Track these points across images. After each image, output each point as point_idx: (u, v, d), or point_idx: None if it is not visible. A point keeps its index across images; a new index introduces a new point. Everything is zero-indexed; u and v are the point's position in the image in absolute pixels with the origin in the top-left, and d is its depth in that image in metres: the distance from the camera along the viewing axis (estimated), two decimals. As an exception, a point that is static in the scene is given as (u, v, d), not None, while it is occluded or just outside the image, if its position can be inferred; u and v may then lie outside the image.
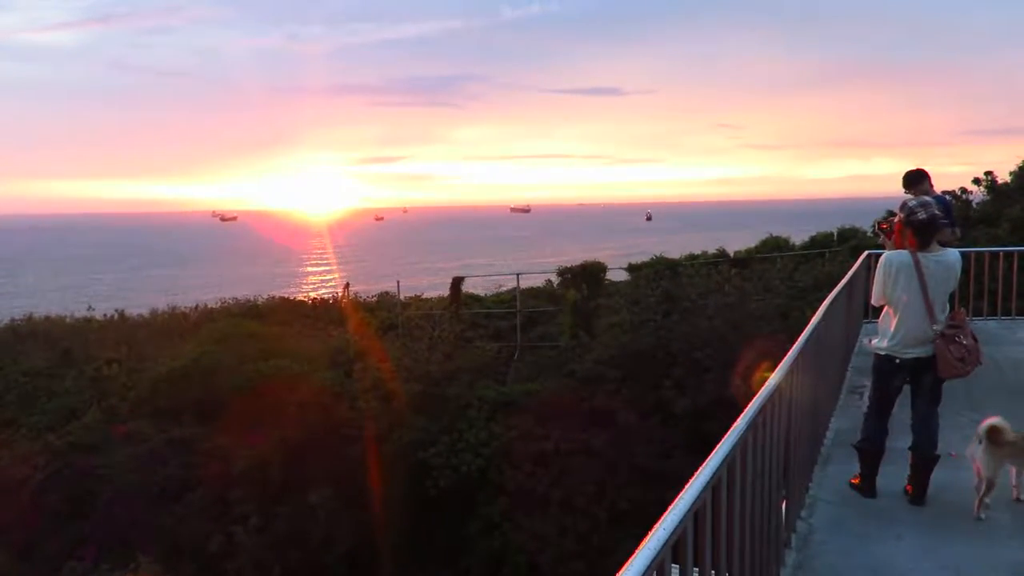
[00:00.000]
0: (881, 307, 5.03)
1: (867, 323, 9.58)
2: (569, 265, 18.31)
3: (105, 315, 20.50)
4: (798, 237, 23.10)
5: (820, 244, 21.11)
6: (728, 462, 2.62)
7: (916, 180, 7.81)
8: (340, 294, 24.78)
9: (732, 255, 21.39)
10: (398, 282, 21.17)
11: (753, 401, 3.18)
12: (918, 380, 4.88)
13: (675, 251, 23.52)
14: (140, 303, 29.89)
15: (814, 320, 5.12)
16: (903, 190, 7.68)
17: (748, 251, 21.86)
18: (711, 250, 22.58)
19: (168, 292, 54.47)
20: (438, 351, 14.24)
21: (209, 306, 21.63)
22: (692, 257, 21.45)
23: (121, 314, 20.74)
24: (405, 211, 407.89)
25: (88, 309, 21.13)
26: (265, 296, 23.48)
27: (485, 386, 13.27)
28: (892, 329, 4.84)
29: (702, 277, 16.84)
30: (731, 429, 2.80)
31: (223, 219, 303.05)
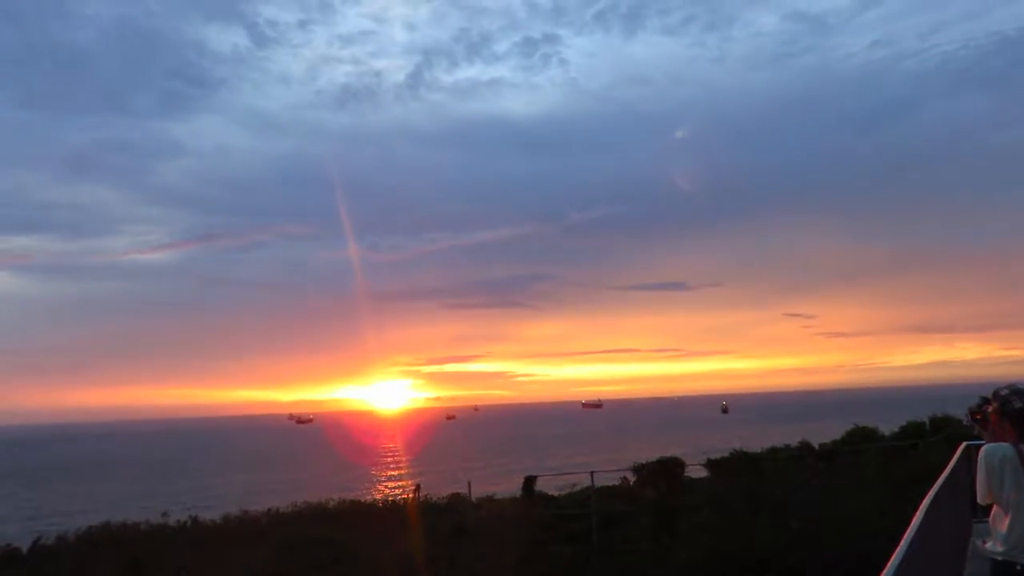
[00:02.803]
0: (990, 505, 4.61)
1: (978, 523, 8.77)
2: (644, 461, 17.70)
3: (179, 521, 20.52)
4: (886, 427, 21.96)
5: (912, 434, 20.00)
6: None
7: None
8: (410, 496, 24.32)
9: (817, 447, 20.39)
10: (469, 483, 20.75)
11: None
12: (1047, 589, 4.33)
13: (755, 444, 22.59)
14: (215, 508, 29.96)
15: (916, 519, 4.70)
16: None
17: (834, 443, 20.82)
18: (793, 442, 21.61)
19: (242, 496, 54.61)
20: (510, 556, 13.58)
21: (281, 510, 21.44)
22: (774, 451, 20.51)
23: (194, 520, 20.74)
24: (476, 409, 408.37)
25: (163, 515, 21.22)
26: (336, 499, 23.22)
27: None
28: (1005, 530, 4.39)
29: (786, 472, 15.98)
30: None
31: (299, 421, 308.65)
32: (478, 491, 23.22)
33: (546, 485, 22.04)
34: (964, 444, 8.86)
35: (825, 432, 25.77)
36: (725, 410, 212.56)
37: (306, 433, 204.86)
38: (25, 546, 18.61)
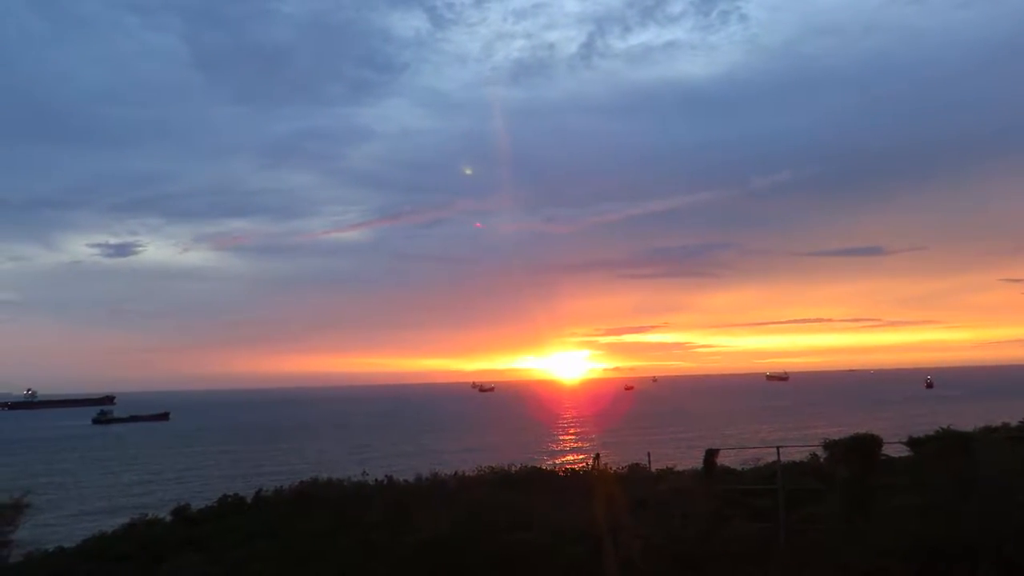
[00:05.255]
0: None
1: None
2: (837, 438, 16.63)
3: (376, 480, 22.04)
4: None
5: None
6: None
7: None
8: (590, 465, 24.56)
9: (1043, 428, 18.20)
10: (648, 454, 20.60)
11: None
12: None
13: (965, 422, 20.53)
14: (407, 469, 31.97)
15: None
16: None
17: (1064, 423, 18.49)
18: (1012, 421, 19.48)
19: (431, 458, 57.90)
20: (692, 529, 13.37)
21: (467, 474, 22.42)
22: (990, 430, 18.56)
23: (390, 479, 22.20)
24: (655, 380, 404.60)
25: (363, 474, 22.88)
26: (518, 465, 23.93)
27: (744, 572, 12.09)
28: None
29: (1004, 454, 14.40)
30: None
31: (481, 389, 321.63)
32: (657, 463, 23.02)
33: (728, 459, 21.39)
34: None
35: (1052, 411, 22.96)
36: (930, 385, 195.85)
37: (488, 401, 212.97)
38: (249, 497, 20.86)
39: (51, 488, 55.10)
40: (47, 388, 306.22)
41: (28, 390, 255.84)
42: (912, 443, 17.39)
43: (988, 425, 19.31)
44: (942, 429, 18.03)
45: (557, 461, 53.34)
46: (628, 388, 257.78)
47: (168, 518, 19.28)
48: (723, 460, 19.98)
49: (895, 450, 17.49)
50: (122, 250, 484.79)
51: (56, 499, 50.15)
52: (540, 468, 24.82)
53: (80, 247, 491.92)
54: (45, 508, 45.97)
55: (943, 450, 15.12)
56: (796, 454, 20.31)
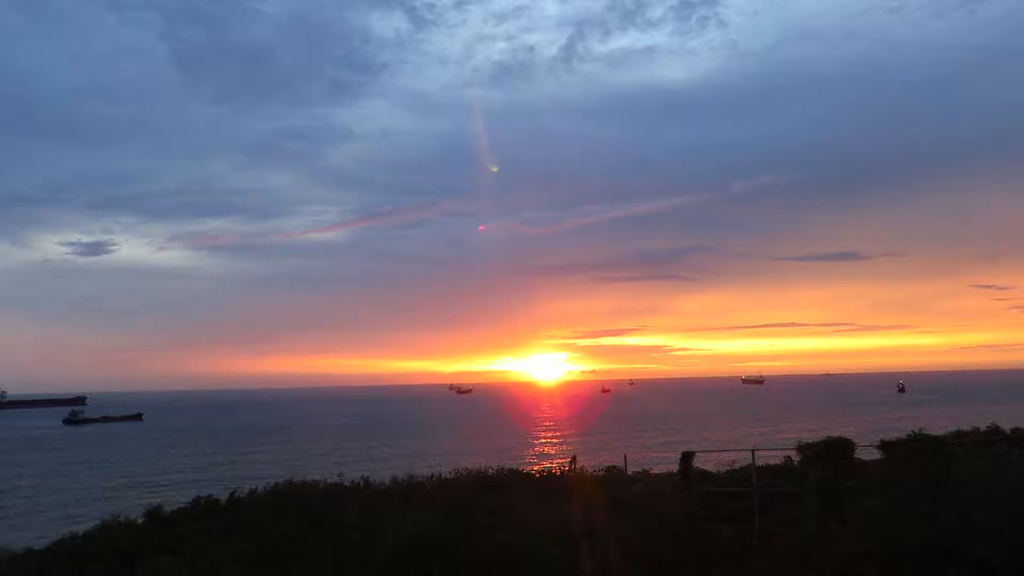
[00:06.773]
0: None
1: None
2: (811, 441, 16.84)
3: (352, 481, 21.93)
4: (1097, 411, 19.60)
5: None
6: None
7: None
8: (567, 467, 24.65)
9: (1010, 432, 18.56)
10: (625, 456, 20.70)
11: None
12: None
13: (936, 426, 20.90)
14: (383, 471, 31.86)
15: None
16: None
17: (1031, 427, 18.86)
18: (982, 426, 19.84)
19: (408, 460, 57.70)
20: (668, 530, 13.45)
21: (444, 476, 22.40)
22: (959, 434, 18.90)
23: (367, 481, 22.11)
24: (632, 383, 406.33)
25: (338, 476, 22.76)
26: (495, 467, 23.95)
27: (720, 572, 12.19)
28: None
29: (974, 457, 14.68)
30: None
31: (459, 391, 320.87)
32: (634, 466, 23.16)
33: (704, 462, 21.58)
34: None
35: (1020, 415, 23.40)
36: (902, 389, 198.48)
37: (465, 403, 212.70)
38: (223, 498, 20.66)
39: (20, 490, 54.16)
40: (17, 388, 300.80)
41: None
42: (884, 446, 17.65)
43: (959, 429, 19.65)
44: (914, 433, 18.32)
45: (534, 463, 53.38)
46: (605, 391, 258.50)
47: (141, 520, 19.04)
48: (699, 463, 20.15)
49: (868, 453, 17.74)
50: (95, 248, 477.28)
51: (25, 501, 49.30)
52: (517, 470, 24.86)
53: (52, 245, 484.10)
54: (14, 510, 45.22)
55: (915, 453, 15.37)
56: (771, 457, 20.53)
